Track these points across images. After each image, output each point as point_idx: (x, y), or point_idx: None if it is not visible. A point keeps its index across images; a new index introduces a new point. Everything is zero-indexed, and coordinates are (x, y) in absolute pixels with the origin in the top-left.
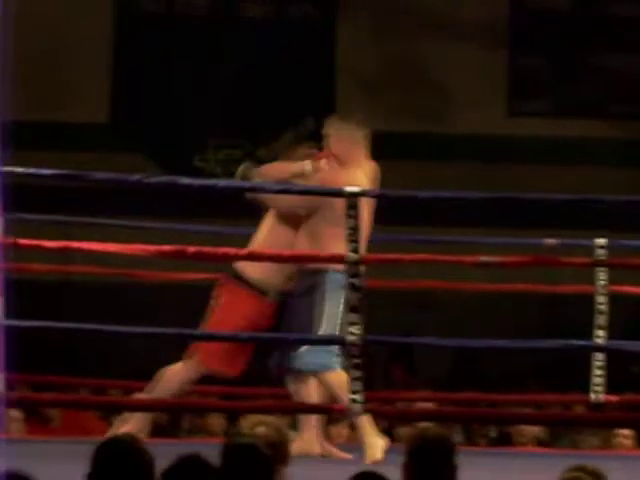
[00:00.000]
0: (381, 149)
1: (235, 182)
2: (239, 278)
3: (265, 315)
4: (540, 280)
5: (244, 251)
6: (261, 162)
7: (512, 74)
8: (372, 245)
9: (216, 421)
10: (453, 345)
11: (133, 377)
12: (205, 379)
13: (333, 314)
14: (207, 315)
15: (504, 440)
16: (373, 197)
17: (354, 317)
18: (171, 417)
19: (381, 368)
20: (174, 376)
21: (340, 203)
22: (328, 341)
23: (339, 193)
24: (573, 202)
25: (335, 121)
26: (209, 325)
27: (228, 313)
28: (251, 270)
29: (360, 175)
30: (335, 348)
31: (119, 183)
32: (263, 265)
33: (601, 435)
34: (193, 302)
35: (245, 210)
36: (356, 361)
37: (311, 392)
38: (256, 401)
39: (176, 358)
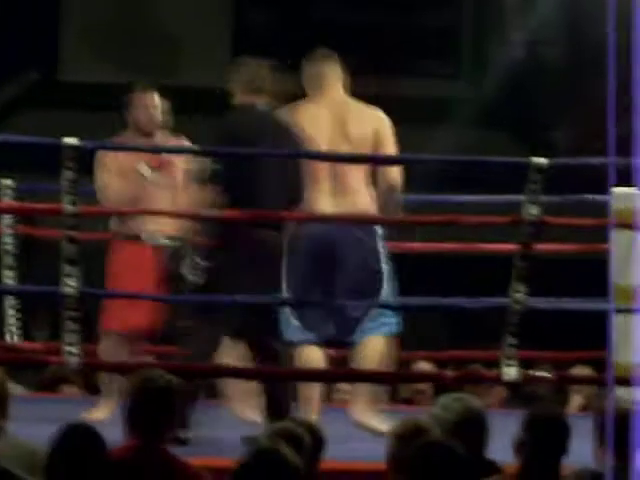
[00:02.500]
0: (109, 101)
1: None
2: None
3: (144, 259)
4: None
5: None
6: None
7: (236, 27)
8: None
9: None
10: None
11: None
12: None
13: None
14: None
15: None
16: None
17: (71, 270)
18: None
19: None
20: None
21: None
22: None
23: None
24: (301, 156)
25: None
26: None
27: (111, 267)
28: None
29: None
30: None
31: None
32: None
33: (322, 388)
34: None
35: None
36: (72, 314)
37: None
38: None
39: None
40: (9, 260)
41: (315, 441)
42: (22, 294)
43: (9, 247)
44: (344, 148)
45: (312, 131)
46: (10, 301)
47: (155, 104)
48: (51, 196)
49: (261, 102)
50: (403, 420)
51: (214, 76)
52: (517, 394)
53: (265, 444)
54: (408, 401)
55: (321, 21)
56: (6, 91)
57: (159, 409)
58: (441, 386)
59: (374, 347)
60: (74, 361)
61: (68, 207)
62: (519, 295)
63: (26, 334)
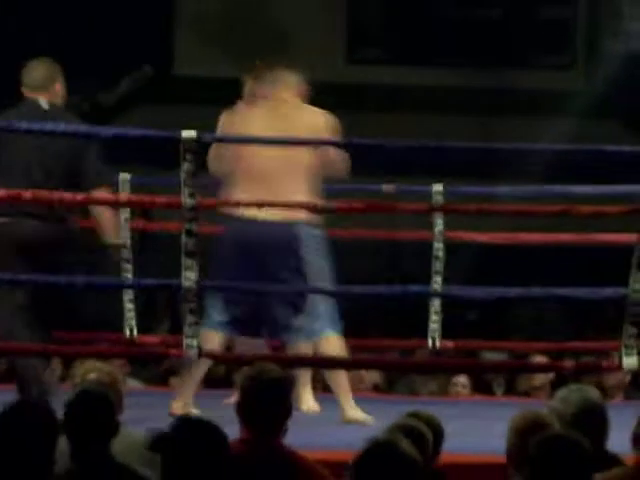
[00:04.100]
0: (224, 95)
1: (67, 127)
2: None
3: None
4: (379, 226)
5: None
6: (100, 106)
7: (350, 22)
8: None
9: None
10: (296, 291)
11: None
12: None
13: None
14: None
15: None
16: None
17: (189, 262)
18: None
19: None
20: None
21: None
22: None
23: (171, 138)
24: (412, 148)
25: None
26: None
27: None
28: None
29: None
30: None
31: None
32: None
33: (438, 382)
34: None
35: None
36: (192, 306)
37: None
38: (92, 346)
39: None
40: (127, 254)
41: (434, 435)
42: (141, 288)
43: (126, 241)
44: (276, 150)
45: (244, 131)
46: (129, 295)
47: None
48: (165, 190)
49: (46, 99)
50: (522, 413)
51: (328, 71)
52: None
53: (384, 437)
54: (526, 395)
55: (435, 16)
56: (121, 85)
57: (273, 402)
58: (559, 380)
59: (334, 345)
60: (194, 353)
61: (187, 200)
62: (639, 285)
63: (146, 328)
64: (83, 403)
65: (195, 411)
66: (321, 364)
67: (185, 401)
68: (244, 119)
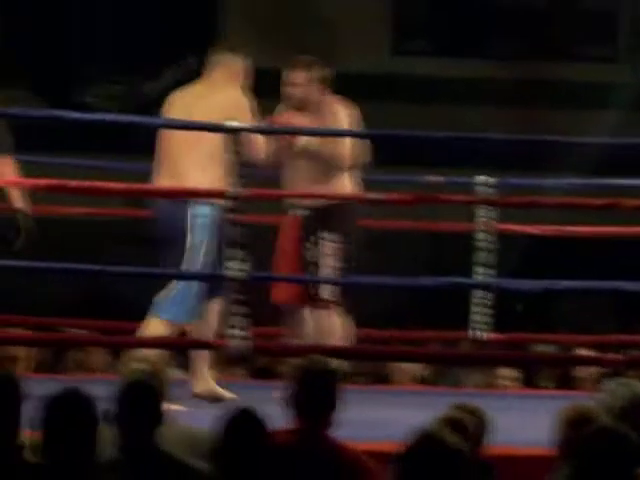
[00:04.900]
0: (268, 86)
1: (122, 117)
2: None
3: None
4: (424, 218)
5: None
6: (145, 98)
7: (396, 13)
8: None
9: (98, 357)
10: (340, 282)
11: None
12: (86, 313)
13: None
14: None
15: (383, 379)
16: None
17: (234, 252)
18: (54, 353)
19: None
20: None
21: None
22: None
23: (219, 128)
24: (458, 140)
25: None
26: None
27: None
28: None
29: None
30: None
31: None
32: None
33: (484, 374)
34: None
35: (131, 145)
36: (238, 297)
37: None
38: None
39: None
40: None
41: (480, 427)
42: (185, 278)
43: None
44: (185, 133)
45: (170, 112)
46: None
47: (294, 82)
48: None
49: None
50: (571, 405)
51: (375, 62)
52: None
53: (430, 429)
54: (572, 388)
55: (480, 8)
56: (166, 76)
57: (321, 393)
58: (605, 372)
59: (145, 328)
60: (238, 344)
61: (230, 190)
62: None
63: None
64: (129, 393)
65: (228, 394)
66: (368, 357)
67: (205, 381)
68: (175, 100)
